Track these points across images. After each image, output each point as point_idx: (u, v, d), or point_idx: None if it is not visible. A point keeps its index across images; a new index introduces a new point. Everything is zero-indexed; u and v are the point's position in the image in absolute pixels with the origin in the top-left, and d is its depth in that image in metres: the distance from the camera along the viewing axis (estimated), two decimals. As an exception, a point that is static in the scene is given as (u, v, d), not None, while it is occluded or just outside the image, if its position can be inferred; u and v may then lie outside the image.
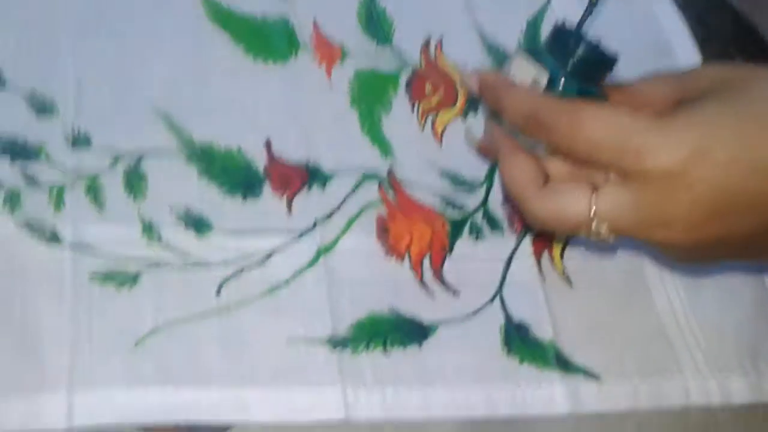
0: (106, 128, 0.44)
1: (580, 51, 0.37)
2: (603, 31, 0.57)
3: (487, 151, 0.43)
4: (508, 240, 0.47)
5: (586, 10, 0.38)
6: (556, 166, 0.37)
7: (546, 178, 0.37)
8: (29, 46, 0.45)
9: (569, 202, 0.34)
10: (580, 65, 0.37)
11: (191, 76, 0.48)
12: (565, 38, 0.38)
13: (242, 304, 0.40)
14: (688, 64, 0.59)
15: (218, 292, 0.40)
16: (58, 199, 0.40)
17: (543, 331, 0.44)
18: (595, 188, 0.34)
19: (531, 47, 0.41)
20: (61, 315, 0.37)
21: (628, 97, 0.38)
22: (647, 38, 0.60)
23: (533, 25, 0.58)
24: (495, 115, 0.39)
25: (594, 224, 0.33)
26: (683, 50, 0.60)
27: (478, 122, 0.52)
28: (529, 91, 0.36)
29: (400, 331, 0.42)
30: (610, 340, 0.45)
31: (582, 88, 0.36)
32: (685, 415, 0.44)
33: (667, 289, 0.47)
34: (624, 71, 0.56)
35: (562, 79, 0.36)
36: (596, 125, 0.33)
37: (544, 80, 0.37)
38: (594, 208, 0.33)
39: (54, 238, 0.39)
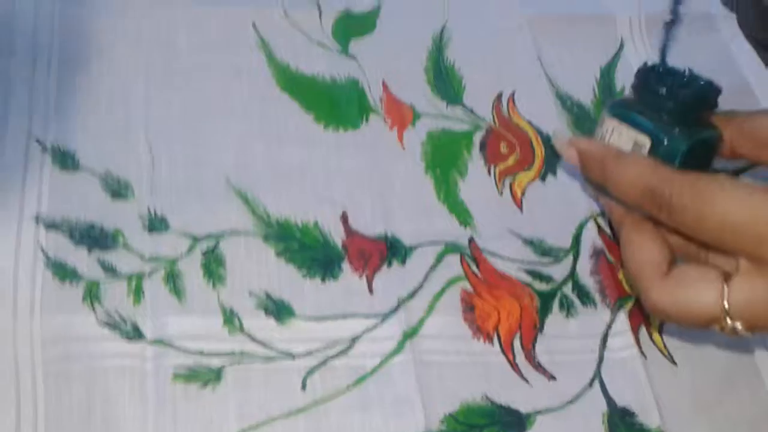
0: (183, 209, 0.42)
1: (675, 92, 0.33)
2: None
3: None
4: (601, 314, 0.44)
5: (665, 34, 0.35)
6: (678, 244, 0.33)
7: (671, 259, 0.33)
8: (100, 126, 0.44)
9: (697, 295, 0.31)
10: (680, 110, 0.33)
11: (263, 147, 0.46)
12: (655, 80, 0.35)
13: (328, 398, 0.38)
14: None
15: (304, 386, 0.38)
16: (137, 289, 0.39)
17: (649, 416, 0.41)
18: (725, 277, 0.31)
19: (617, 110, 0.37)
20: (145, 419, 0.35)
21: (744, 132, 0.34)
22: (726, 79, 0.57)
23: (607, 73, 0.56)
24: (599, 187, 0.36)
25: (728, 320, 0.30)
26: (763, 91, 0.57)
27: (558, 184, 0.49)
28: (642, 163, 0.33)
29: (496, 423, 0.39)
30: (719, 425, 0.41)
31: (694, 140, 0.33)
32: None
33: None
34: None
35: (665, 140, 0.33)
36: (729, 206, 0.29)
37: (646, 143, 0.34)
38: (726, 303, 0.30)
39: (135, 333, 0.38)
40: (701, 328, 0.32)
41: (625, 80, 0.55)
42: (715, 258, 0.32)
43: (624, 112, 0.36)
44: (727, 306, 0.30)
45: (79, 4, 0.48)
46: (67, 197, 0.41)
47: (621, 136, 0.35)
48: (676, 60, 0.56)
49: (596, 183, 0.36)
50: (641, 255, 0.33)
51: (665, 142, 0.33)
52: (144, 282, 0.39)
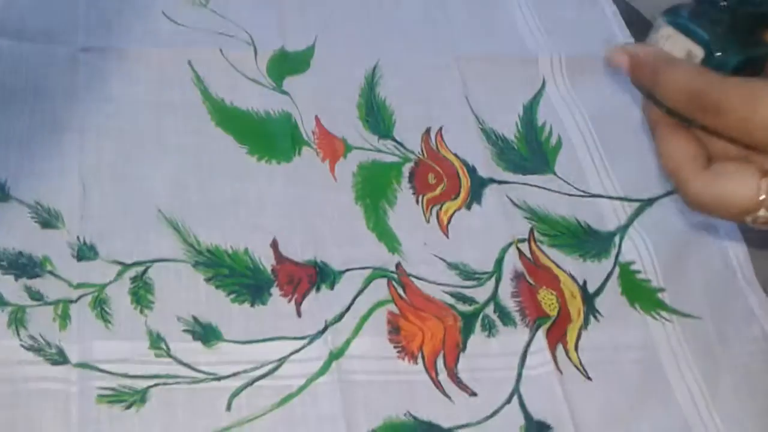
0: (112, 237, 0.43)
1: (735, 7, 0.32)
2: (595, 111, 0.58)
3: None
4: (521, 333, 0.46)
5: None
6: (720, 148, 0.34)
7: (708, 156, 0.33)
8: (32, 157, 0.45)
9: (735, 185, 0.31)
10: (737, 25, 0.32)
11: (196, 178, 0.48)
12: None
13: (253, 417, 0.39)
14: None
15: (228, 406, 0.39)
16: (63, 315, 0.40)
17: (565, 429, 0.42)
18: (763, 173, 0.31)
19: (674, 18, 0.35)
20: (67, 441, 0.36)
21: None
22: (639, 117, 0.61)
23: (530, 109, 0.59)
24: (646, 92, 0.34)
25: (762, 211, 0.31)
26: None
27: (482, 212, 0.52)
28: (692, 68, 0.32)
29: (418, 439, 0.41)
30: None
31: (746, 56, 0.32)
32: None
33: (685, 378, 0.46)
34: (622, 151, 0.57)
35: (719, 53, 0.32)
36: None
37: (699, 53, 0.33)
38: (764, 195, 0.30)
39: (60, 357, 0.38)
40: (734, 219, 0.32)
41: (546, 116, 0.58)
42: (754, 157, 0.32)
43: (681, 21, 0.34)
44: (763, 197, 0.30)
45: (16, 35, 0.50)
46: (-4, 226, 0.42)
47: (675, 45, 0.34)
48: (596, 100, 0.60)
49: (645, 87, 0.34)
50: (679, 152, 0.33)
51: (718, 55, 0.32)
52: (71, 308, 0.40)
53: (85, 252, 0.42)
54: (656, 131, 0.35)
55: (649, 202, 0.55)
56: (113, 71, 0.51)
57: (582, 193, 0.54)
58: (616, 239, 0.52)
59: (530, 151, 0.56)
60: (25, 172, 0.44)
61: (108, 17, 0.54)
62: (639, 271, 0.50)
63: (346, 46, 0.58)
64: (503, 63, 0.60)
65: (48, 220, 0.43)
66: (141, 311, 0.41)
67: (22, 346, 0.38)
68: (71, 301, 0.40)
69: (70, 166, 0.46)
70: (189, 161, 0.49)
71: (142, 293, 0.42)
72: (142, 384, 0.38)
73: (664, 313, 0.49)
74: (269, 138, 0.51)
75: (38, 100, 0.48)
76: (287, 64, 0.55)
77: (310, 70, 0.56)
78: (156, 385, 0.39)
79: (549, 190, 0.54)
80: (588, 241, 0.52)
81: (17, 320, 0.39)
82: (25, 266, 0.41)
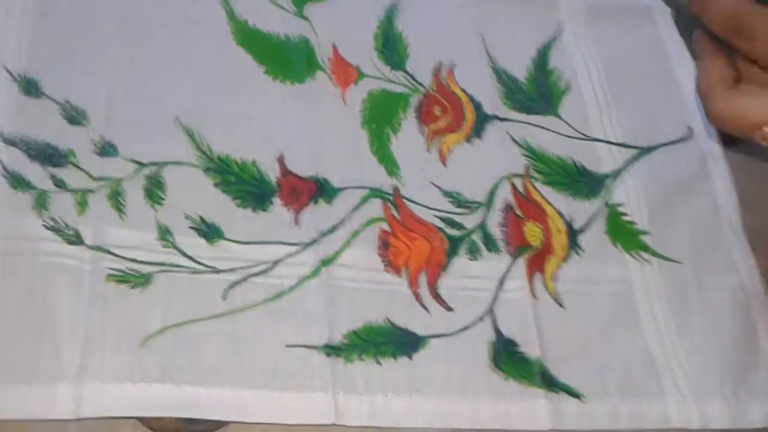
0: (132, 139, 0.47)
1: None
2: (609, 59, 0.60)
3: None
4: (503, 260, 0.49)
5: None
6: (752, 73, 0.37)
7: (737, 78, 0.37)
8: (65, 59, 0.49)
9: (751, 103, 0.35)
10: None
11: (214, 92, 0.51)
12: None
13: (246, 308, 0.43)
14: (693, 96, 0.60)
15: (224, 296, 0.43)
16: (82, 202, 0.44)
17: (531, 349, 0.46)
18: None
19: None
20: (77, 311, 0.40)
21: None
22: (654, 68, 0.62)
23: (543, 53, 0.60)
24: (695, 17, 0.38)
25: (766, 127, 0.35)
26: (687, 80, 0.61)
27: (483, 145, 0.54)
28: None
29: (393, 342, 0.44)
30: (595, 360, 0.47)
31: None
32: (665, 434, 0.46)
33: (656, 315, 0.49)
34: (629, 100, 0.58)
35: None
36: None
37: None
38: None
39: (76, 238, 0.43)
40: (746, 134, 0.36)
41: (558, 60, 0.60)
42: None
43: None
44: None
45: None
46: (28, 119, 0.46)
47: None
48: (611, 49, 0.61)
49: (695, 11, 0.37)
50: (712, 72, 0.37)
51: None
52: (89, 197, 0.44)
53: (106, 149, 0.46)
54: (700, 56, 0.38)
55: (648, 150, 0.56)
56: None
57: (582, 137, 0.56)
58: (609, 181, 0.54)
59: (538, 92, 0.58)
60: (58, 72, 0.48)
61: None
62: (626, 213, 0.53)
63: (369, -22, 0.60)
64: (522, 5, 0.62)
65: (75, 117, 0.47)
66: (152, 206, 0.45)
67: (44, 225, 0.42)
68: (90, 191, 0.44)
69: (99, 71, 0.49)
70: (209, 75, 0.52)
71: (154, 190, 0.45)
72: (147, 269, 0.43)
73: (644, 255, 0.51)
74: (286, 60, 0.54)
75: (75, 7, 0.51)
76: (310, -9, 0.58)
77: (332, 0, 0.58)
78: (160, 271, 0.43)
79: (550, 130, 0.56)
80: (581, 181, 0.54)
81: (40, 203, 0.43)
82: (51, 156, 0.45)
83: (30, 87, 0.47)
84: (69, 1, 0.51)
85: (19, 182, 0.43)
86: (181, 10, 0.54)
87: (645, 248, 0.52)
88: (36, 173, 0.44)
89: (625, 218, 0.53)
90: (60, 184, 0.44)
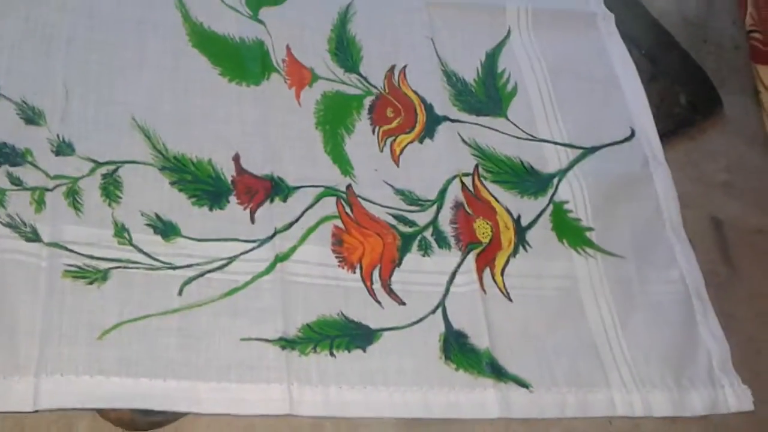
0: (89, 138, 0.48)
1: None
2: (555, 63, 0.62)
3: None
4: (453, 256, 0.51)
5: None
6: None
7: None
8: (22, 58, 0.49)
9: None
10: None
11: (170, 92, 0.52)
12: None
13: (202, 304, 0.44)
14: (635, 99, 0.63)
15: (180, 292, 0.44)
16: (39, 200, 0.44)
17: (480, 340, 0.48)
18: None
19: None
20: (34, 306, 0.41)
21: None
22: (597, 71, 0.65)
23: (491, 56, 0.63)
24: None
25: None
26: (629, 84, 0.64)
27: (434, 145, 0.56)
28: None
29: (347, 335, 0.46)
30: (542, 351, 0.49)
31: None
32: (609, 422, 0.48)
33: (600, 308, 0.51)
34: (574, 102, 0.61)
35: None
36: None
37: None
38: None
39: (33, 235, 0.43)
40: None
41: (506, 63, 0.62)
42: None
43: None
44: None
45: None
46: (-16, 119, 0.46)
47: None
48: (557, 53, 0.63)
49: None
50: None
51: None
52: (46, 195, 0.45)
53: (63, 148, 0.47)
54: None
55: (592, 150, 0.59)
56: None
57: (529, 137, 0.58)
58: (555, 180, 0.57)
59: (486, 94, 0.60)
60: (14, 73, 0.49)
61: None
62: (571, 211, 0.55)
63: (323, -18, 0.62)
64: (471, 10, 0.64)
65: (32, 117, 0.47)
66: (109, 204, 0.46)
67: (0, 222, 0.43)
68: (47, 189, 0.45)
69: (55, 71, 0.50)
70: (165, 76, 0.53)
71: (111, 189, 0.46)
72: (104, 265, 0.43)
73: (589, 250, 0.54)
74: (241, 62, 0.55)
75: (32, 8, 0.52)
76: (265, -5, 0.59)
77: (287, 3, 0.59)
78: (117, 267, 0.44)
79: (499, 131, 0.58)
80: (528, 180, 0.56)
81: (-3, 201, 0.43)
82: (8, 155, 0.45)
83: (-14, 87, 0.47)
84: (25, 4, 0.52)
85: (-25, 181, 0.44)
86: (137, 12, 0.55)
87: (589, 244, 0.54)
88: (-8, 172, 0.44)
89: (571, 215, 0.55)
90: (17, 182, 0.44)
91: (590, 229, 0.55)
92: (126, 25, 0.54)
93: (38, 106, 0.48)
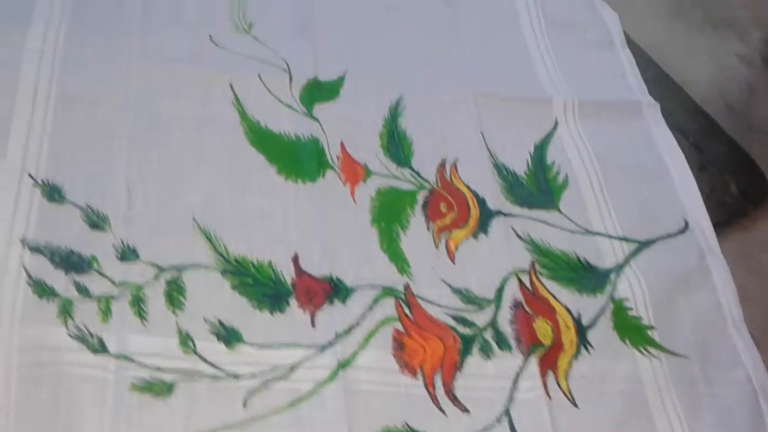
0: (152, 242, 0.48)
1: None
2: (603, 153, 0.62)
3: None
4: (515, 358, 0.50)
5: None
6: None
7: None
8: (85, 160, 0.50)
9: None
10: None
11: (228, 191, 0.52)
12: None
13: (266, 416, 0.44)
14: (686, 189, 0.63)
15: (245, 404, 0.43)
16: (105, 310, 0.44)
17: (548, 451, 0.46)
18: None
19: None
20: (102, 422, 0.40)
21: None
22: (646, 161, 0.65)
23: (540, 148, 0.63)
24: None
25: None
26: (679, 174, 0.64)
27: (489, 241, 0.56)
28: None
29: (412, 446, 0.45)
30: None
31: None
32: None
33: (668, 412, 0.50)
34: (625, 193, 0.61)
35: None
36: None
37: None
38: None
39: (100, 347, 0.43)
40: None
41: (555, 155, 0.62)
42: None
43: None
44: None
45: (78, 47, 0.55)
46: (52, 225, 0.46)
47: None
48: (605, 144, 0.64)
49: None
50: None
51: None
52: (112, 303, 0.45)
53: (127, 254, 0.47)
54: None
55: (647, 243, 0.58)
56: (162, 86, 0.56)
57: (583, 231, 0.58)
58: (612, 276, 0.56)
59: (538, 187, 0.60)
60: (79, 176, 0.49)
61: (160, 36, 0.59)
62: (631, 308, 0.54)
63: (373, 78, 0.63)
64: (518, 102, 0.65)
65: (96, 222, 0.48)
66: (173, 311, 0.46)
67: (69, 334, 0.43)
68: (113, 298, 0.45)
69: (117, 173, 0.50)
70: (224, 175, 0.53)
71: (175, 295, 0.46)
72: (170, 377, 0.43)
73: (652, 350, 0.53)
74: (297, 159, 0.56)
75: (94, 109, 0.53)
76: (319, 92, 0.60)
77: (339, 99, 0.60)
78: (182, 379, 0.43)
79: (552, 225, 0.58)
80: (585, 276, 0.55)
81: (65, 311, 0.43)
82: (74, 263, 0.45)
83: (53, 193, 0.48)
84: (87, 105, 0.53)
85: (43, 290, 0.44)
86: (195, 112, 0.56)
87: (652, 343, 0.53)
88: (60, 280, 0.45)
89: (631, 313, 0.54)
90: (84, 291, 0.45)
91: (651, 327, 0.54)
92: (185, 123, 0.55)
93: (102, 210, 0.48)
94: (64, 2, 0.58)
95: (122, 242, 0.47)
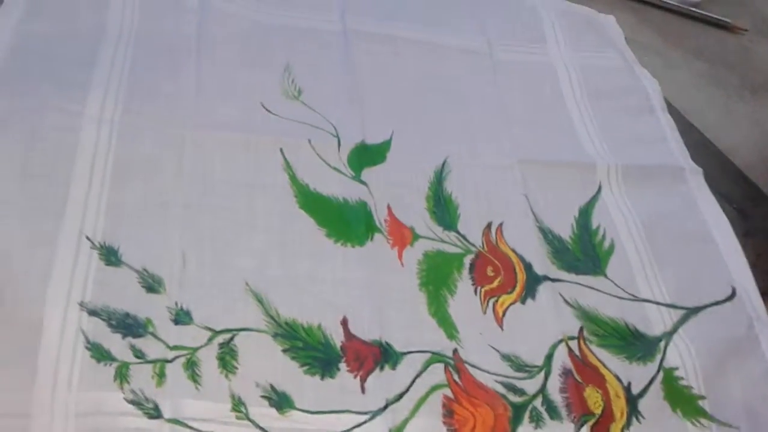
0: (206, 305, 0.49)
1: None
2: (648, 219, 0.62)
3: None
4: (566, 428, 0.49)
5: None
6: None
7: None
8: (141, 225, 0.51)
9: None
10: None
11: (279, 255, 0.53)
12: None
13: (319, 483, 0.43)
14: (732, 255, 0.62)
15: (297, 472, 0.43)
16: (160, 373, 0.45)
17: None
18: None
19: None
20: (157, 488, 0.40)
21: None
22: (690, 226, 0.65)
23: (585, 213, 0.63)
24: None
25: None
26: (725, 240, 0.63)
27: (536, 308, 0.56)
28: None
29: None
30: None
31: None
32: None
33: None
34: (671, 259, 0.60)
35: None
36: None
37: None
38: None
39: (155, 412, 0.43)
40: None
41: (600, 219, 0.63)
42: None
43: None
44: None
45: (135, 115, 0.57)
46: (108, 288, 0.47)
47: None
48: (649, 209, 0.64)
49: None
50: None
51: None
52: (167, 367, 0.45)
53: (181, 317, 0.48)
54: None
55: (695, 310, 0.58)
56: (216, 153, 0.57)
57: (631, 297, 0.58)
58: (662, 344, 0.55)
59: (584, 252, 0.60)
60: (134, 240, 0.50)
61: (213, 104, 0.60)
62: (682, 378, 0.53)
63: (418, 143, 0.64)
64: (562, 167, 0.65)
65: (152, 285, 0.48)
66: (226, 375, 0.46)
67: (125, 399, 0.43)
68: (167, 361, 0.45)
69: (172, 237, 0.51)
70: (274, 239, 0.54)
71: (227, 359, 0.46)
72: (223, 443, 0.43)
73: (704, 421, 0.52)
74: (346, 223, 0.56)
75: (150, 174, 0.54)
76: (366, 156, 0.61)
77: (386, 163, 0.61)
78: (236, 446, 0.43)
79: (600, 291, 0.58)
80: (634, 344, 0.55)
81: (122, 375, 0.44)
82: (131, 326, 0.46)
83: (110, 256, 0.49)
84: (143, 171, 0.54)
85: (101, 354, 0.44)
86: (247, 177, 0.57)
87: (703, 414, 0.52)
88: (117, 344, 0.45)
89: (682, 382, 0.53)
90: (139, 355, 0.45)
91: (702, 397, 0.53)
92: (237, 189, 0.56)
93: (158, 273, 0.49)
94: (122, 70, 0.60)
95: (176, 305, 0.48)
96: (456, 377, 0.50)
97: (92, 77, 0.58)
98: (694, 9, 0.90)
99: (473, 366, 0.51)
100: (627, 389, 0.52)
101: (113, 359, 0.44)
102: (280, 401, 0.46)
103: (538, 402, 0.50)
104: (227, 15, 0.68)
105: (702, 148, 0.70)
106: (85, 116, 0.56)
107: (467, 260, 0.57)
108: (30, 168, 0.52)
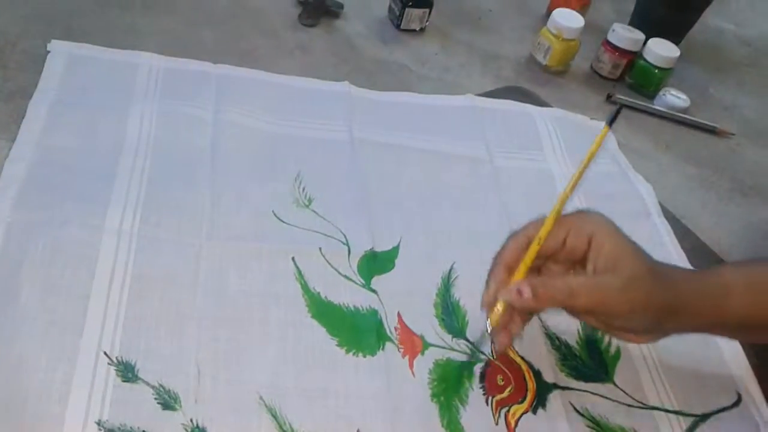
0: (221, 421, 0.48)
1: None
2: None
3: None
4: None
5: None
6: None
7: None
8: (158, 339, 0.52)
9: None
10: None
11: (293, 366, 0.54)
12: None
13: None
14: (735, 360, 0.63)
15: None
16: (176, 497, 0.44)
17: None
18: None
19: None
20: None
21: None
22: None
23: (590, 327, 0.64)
24: None
25: None
26: (728, 346, 0.65)
27: (548, 416, 0.56)
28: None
29: None
30: None
31: None
32: None
33: None
34: (677, 364, 0.61)
35: None
36: None
37: None
38: None
39: None
40: None
41: (605, 326, 0.63)
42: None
43: None
44: None
45: (153, 228, 0.58)
46: (125, 405, 0.47)
47: None
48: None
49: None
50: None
51: None
52: (183, 490, 0.45)
53: (197, 434, 0.47)
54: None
55: (703, 417, 0.58)
56: (230, 264, 0.58)
57: (639, 405, 0.58)
58: (673, 454, 0.55)
59: (591, 358, 0.61)
60: (151, 355, 0.51)
61: (228, 215, 0.62)
62: (695, 489, 0.53)
63: (426, 248, 0.65)
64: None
65: (168, 401, 0.49)
66: (243, 496, 0.45)
67: None
68: (183, 484, 0.45)
69: (189, 351, 0.52)
70: (288, 350, 0.54)
71: (244, 478, 0.46)
72: None
73: None
74: (357, 332, 0.57)
75: (166, 288, 0.55)
76: (375, 264, 0.62)
77: (395, 270, 0.63)
78: None
79: (609, 399, 0.58)
80: (646, 453, 0.55)
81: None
82: (147, 446, 0.46)
83: (127, 372, 0.49)
84: (159, 284, 0.55)
85: (118, 477, 0.44)
86: (261, 287, 0.58)
87: None
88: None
89: (696, 494, 0.53)
90: (155, 476, 0.45)
91: None
92: (251, 300, 0.57)
93: (173, 389, 0.49)
94: (140, 182, 0.62)
95: (192, 422, 0.48)
96: (472, 493, 0.50)
97: (112, 190, 0.60)
98: (682, 114, 0.95)
99: (488, 480, 0.51)
100: (642, 502, 0.52)
101: (127, 481, 0.44)
102: None
103: None
104: (240, 127, 0.71)
105: (699, 252, 0.72)
106: (105, 229, 0.57)
107: (477, 369, 0.58)
108: (51, 282, 0.52)
